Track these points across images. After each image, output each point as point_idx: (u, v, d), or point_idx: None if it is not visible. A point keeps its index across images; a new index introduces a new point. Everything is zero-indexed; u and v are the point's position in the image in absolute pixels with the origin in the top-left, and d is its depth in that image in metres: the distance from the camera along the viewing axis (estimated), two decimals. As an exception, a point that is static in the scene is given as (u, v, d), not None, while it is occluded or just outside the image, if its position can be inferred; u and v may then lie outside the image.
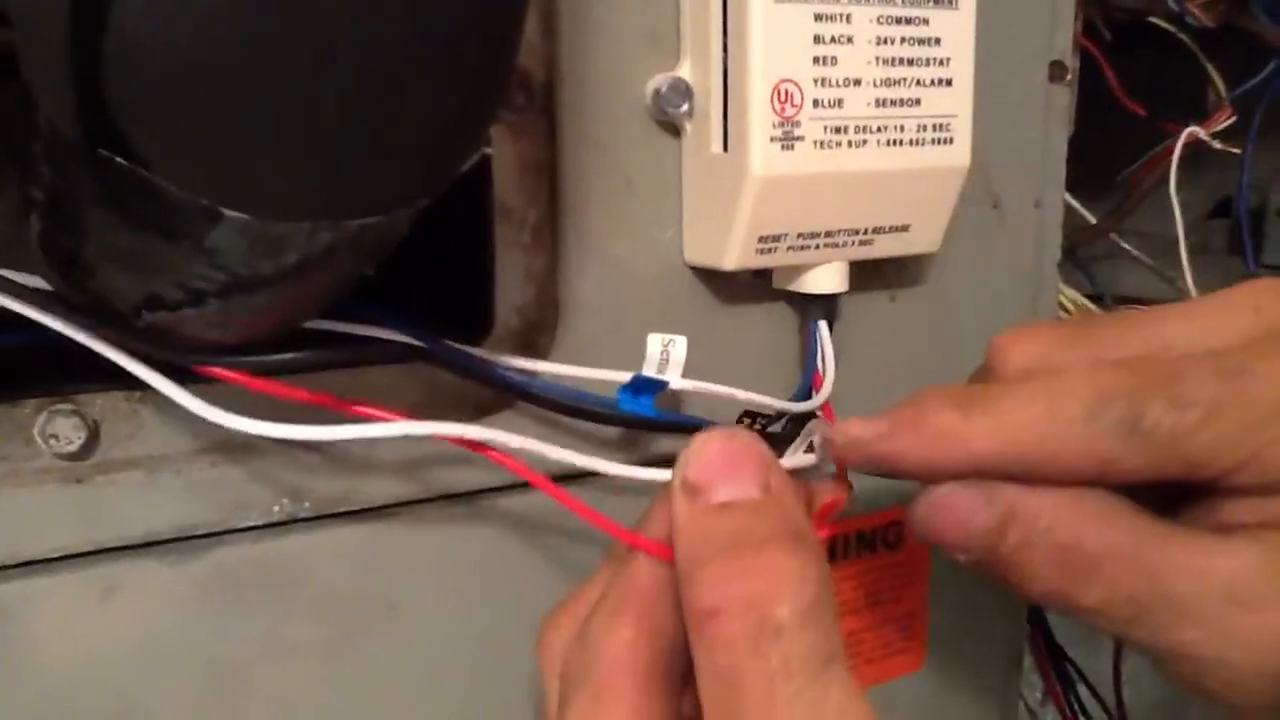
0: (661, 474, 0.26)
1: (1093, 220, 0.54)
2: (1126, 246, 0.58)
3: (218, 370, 0.23)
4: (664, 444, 0.32)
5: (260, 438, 0.25)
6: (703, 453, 0.24)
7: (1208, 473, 0.24)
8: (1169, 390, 0.24)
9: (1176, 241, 0.58)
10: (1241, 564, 0.23)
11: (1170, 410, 0.23)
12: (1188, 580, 0.23)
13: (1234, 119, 0.51)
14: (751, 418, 0.30)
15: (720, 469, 0.23)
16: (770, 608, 0.21)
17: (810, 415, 0.32)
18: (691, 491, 0.23)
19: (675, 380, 0.28)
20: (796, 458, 0.30)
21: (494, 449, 0.25)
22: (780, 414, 0.31)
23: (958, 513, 0.25)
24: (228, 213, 0.18)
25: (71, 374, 0.24)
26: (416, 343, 0.26)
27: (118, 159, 0.18)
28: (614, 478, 0.27)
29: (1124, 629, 0.24)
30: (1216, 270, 0.59)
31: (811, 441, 0.30)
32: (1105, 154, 0.52)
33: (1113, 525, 0.24)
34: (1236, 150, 0.52)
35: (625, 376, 0.28)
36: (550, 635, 0.26)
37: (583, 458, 0.26)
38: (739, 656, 0.21)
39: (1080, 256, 0.57)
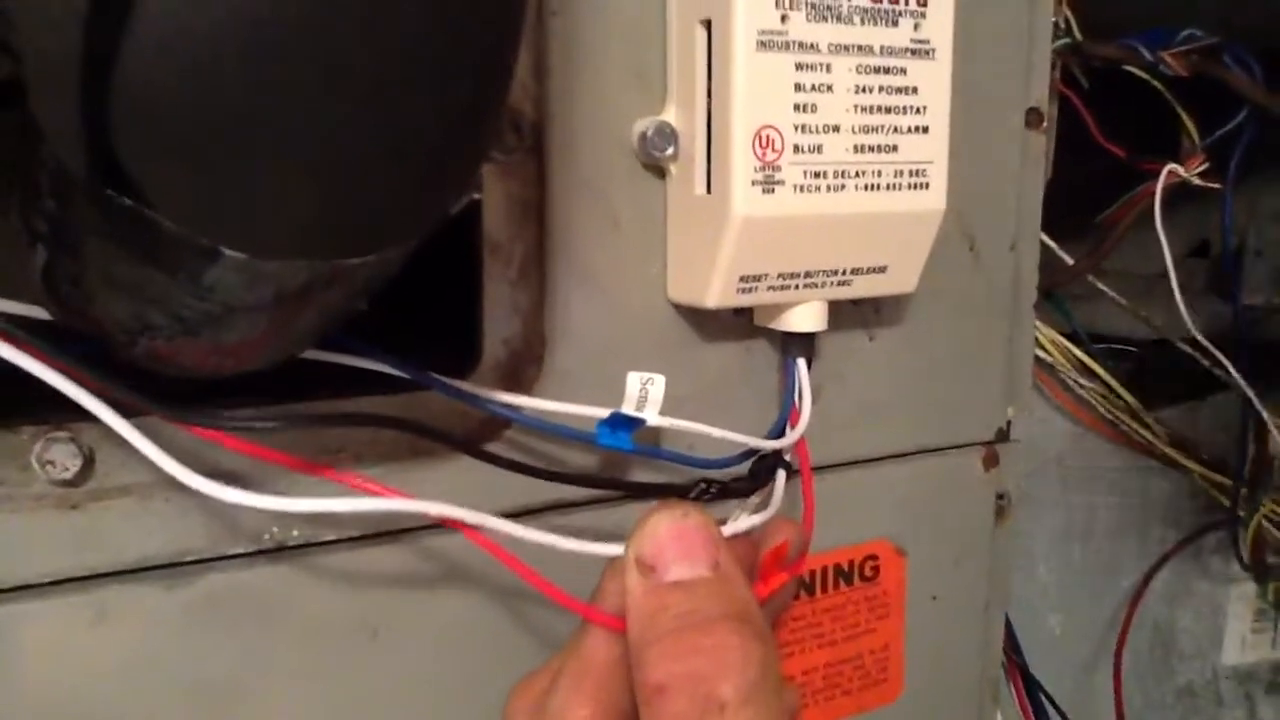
0: (614, 549, 0.27)
1: (1070, 261, 0.55)
2: (1103, 287, 0.59)
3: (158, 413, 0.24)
4: (641, 477, 0.33)
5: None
6: (655, 531, 0.24)
7: None
8: None
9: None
10: None
11: None
12: None
13: (1207, 165, 0.52)
14: (708, 484, 0.31)
15: (672, 548, 0.24)
16: (714, 685, 0.22)
17: (780, 455, 0.32)
18: (644, 569, 0.24)
19: (652, 418, 0.28)
20: (746, 519, 0.30)
21: (456, 521, 0.26)
22: (753, 451, 0.32)
23: None
24: (226, 251, 0.19)
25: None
26: (403, 374, 0.27)
27: (122, 197, 0.19)
28: (591, 506, 0.28)
29: None
30: (1198, 307, 0.59)
31: (765, 500, 0.30)
32: (1083, 197, 0.53)
33: None
34: (1217, 185, 0.54)
35: (605, 412, 0.29)
36: (514, 704, 0.27)
37: (542, 534, 0.27)
38: None
39: (1059, 296, 0.58)
